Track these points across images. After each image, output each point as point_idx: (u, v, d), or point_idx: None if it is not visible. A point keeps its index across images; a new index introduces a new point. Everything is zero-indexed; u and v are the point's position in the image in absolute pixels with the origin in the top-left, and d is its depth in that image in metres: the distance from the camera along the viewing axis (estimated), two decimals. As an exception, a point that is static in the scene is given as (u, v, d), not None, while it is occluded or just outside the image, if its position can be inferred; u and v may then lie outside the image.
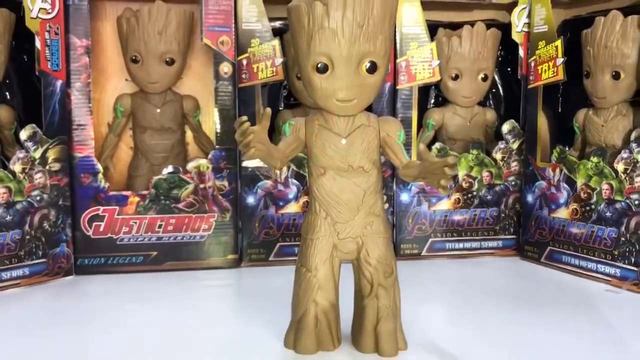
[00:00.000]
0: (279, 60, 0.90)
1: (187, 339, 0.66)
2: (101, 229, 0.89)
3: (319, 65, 0.55)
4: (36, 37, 0.81)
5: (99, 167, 0.88)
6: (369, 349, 0.61)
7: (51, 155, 0.84)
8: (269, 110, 0.54)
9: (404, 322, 0.62)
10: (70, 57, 0.86)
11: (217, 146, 0.90)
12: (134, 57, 0.89)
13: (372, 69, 0.56)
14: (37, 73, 0.82)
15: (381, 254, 0.60)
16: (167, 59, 0.90)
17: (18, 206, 0.81)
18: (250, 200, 0.92)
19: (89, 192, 0.88)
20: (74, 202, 0.87)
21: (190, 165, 0.90)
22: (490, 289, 0.85)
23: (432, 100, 1.06)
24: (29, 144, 0.82)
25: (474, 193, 0.98)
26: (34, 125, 0.82)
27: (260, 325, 0.69)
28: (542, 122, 0.95)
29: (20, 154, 0.81)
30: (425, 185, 0.97)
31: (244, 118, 0.51)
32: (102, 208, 0.88)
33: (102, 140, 0.93)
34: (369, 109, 0.61)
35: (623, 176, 0.82)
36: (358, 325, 0.62)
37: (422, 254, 0.98)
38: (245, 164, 0.91)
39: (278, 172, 0.91)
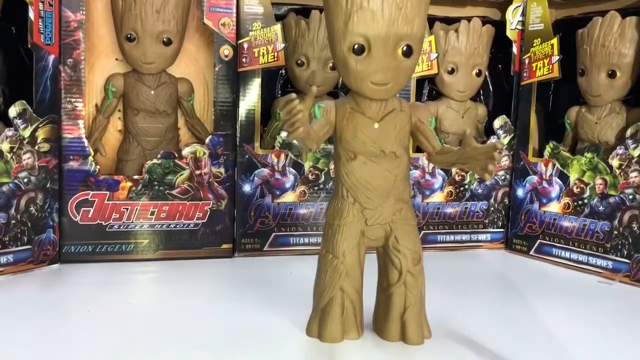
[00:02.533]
0: (280, 45, 0.88)
1: (186, 330, 0.63)
2: (90, 215, 0.84)
3: (355, 47, 0.54)
4: (30, 7, 0.76)
5: (90, 149, 0.84)
6: (395, 337, 0.60)
7: (41, 134, 0.79)
8: (314, 88, 0.52)
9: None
10: (62, 32, 0.81)
11: (214, 132, 0.88)
12: (129, 35, 0.85)
13: (409, 52, 0.55)
14: (29, 46, 0.77)
15: (410, 240, 0.60)
16: (164, 39, 0.86)
17: (4, 188, 0.76)
18: (247, 188, 0.90)
19: (79, 176, 0.83)
20: (61, 185, 0.82)
21: (186, 151, 0.87)
22: (481, 281, 0.86)
23: (426, 94, 1.06)
24: (19, 121, 0.77)
25: (466, 186, 0.99)
26: (24, 102, 0.77)
27: (271, 315, 0.67)
28: (533, 119, 0.97)
29: (9, 131, 0.76)
30: (419, 177, 0.98)
31: (294, 95, 0.50)
32: (91, 193, 0.84)
33: (91, 122, 0.88)
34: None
35: (618, 171, 0.85)
36: (383, 313, 0.61)
37: (414, 246, 0.98)
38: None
39: (305, 155, 0.89)
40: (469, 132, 0.54)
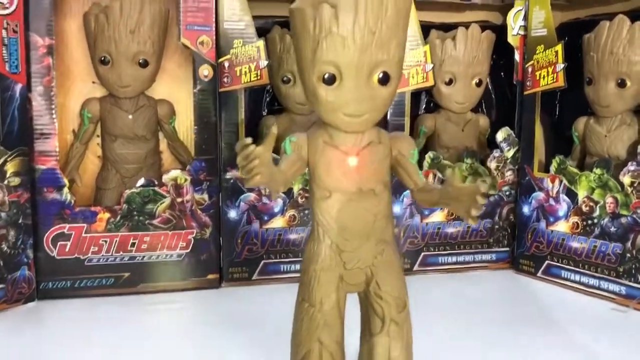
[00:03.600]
0: (263, 62, 0.83)
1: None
2: (67, 249, 0.80)
3: (325, 76, 0.49)
4: (-8, 35, 0.72)
5: (64, 180, 0.80)
6: None
7: (10, 168, 0.75)
8: (275, 128, 0.47)
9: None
10: (32, 58, 0.76)
11: (195, 156, 0.83)
12: (103, 58, 0.81)
13: (385, 79, 0.49)
14: (-7, 76, 0.73)
15: (394, 286, 0.54)
16: (140, 61, 0.81)
17: (-28, 226, 0.72)
18: (232, 214, 0.85)
19: (53, 209, 0.79)
20: (35, 219, 0.78)
21: (166, 177, 0.82)
22: (487, 306, 0.81)
23: (424, 106, 1.00)
24: (-16, 156, 0.73)
25: (468, 204, 0.93)
26: (-10, 135, 0.73)
27: (255, 357, 0.63)
28: (539, 130, 0.91)
29: (-25, 167, 0.72)
30: (409, 190, 0.91)
31: (248, 140, 0.44)
32: (67, 225, 0.80)
33: (67, 150, 0.84)
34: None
35: (629, 189, 0.78)
36: None
37: (415, 268, 0.93)
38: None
39: (276, 195, 0.84)
40: (452, 172, 0.48)
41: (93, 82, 0.85)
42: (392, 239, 0.55)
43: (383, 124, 0.89)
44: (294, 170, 0.53)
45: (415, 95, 0.95)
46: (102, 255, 0.81)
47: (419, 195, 0.53)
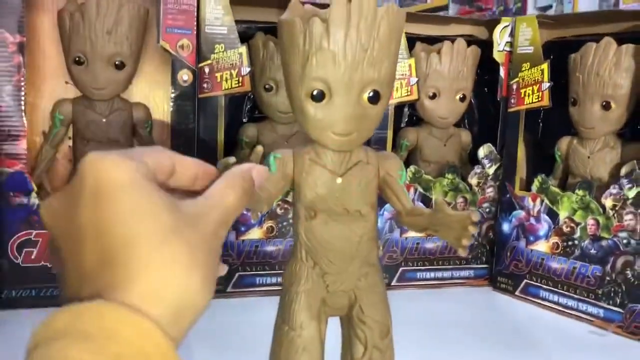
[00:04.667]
0: (245, 69, 0.81)
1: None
2: (33, 256, 0.76)
3: (314, 93, 0.47)
4: (-41, 30, 0.68)
5: (32, 184, 0.76)
6: None
7: (-26, 171, 0.71)
8: (260, 148, 0.45)
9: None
10: (0, 56, 0.73)
11: (172, 163, 0.80)
12: (77, 58, 0.77)
13: (375, 98, 0.47)
14: (-42, 74, 0.69)
15: (377, 311, 0.52)
16: (117, 62, 0.78)
17: None
18: (208, 225, 0.82)
19: (20, 214, 0.75)
20: (0, 225, 0.74)
21: (140, 185, 0.79)
22: (465, 325, 0.80)
23: (406, 119, 0.99)
24: (-53, 158, 0.69)
25: (448, 220, 0.92)
26: (-46, 135, 0.69)
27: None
28: (521, 148, 0.90)
29: None
30: (396, 213, 0.90)
31: (231, 159, 0.42)
32: (34, 232, 0.76)
33: (35, 152, 0.80)
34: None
35: (611, 212, 0.78)
36: None
37: (392, 283, 0.91)
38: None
39: (259, 214, 0.81)
40: (441, 200, 0.46)
41: (66, 83, 0.82)
42: (377, 262, 0.54)
43: (365, 136, 0.87)
44: (278, 189, 0.51)
45: (398, 108, 0.94)
46: (70, 264, 0.77)
47: (407, 218, 0.51)
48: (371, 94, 0.47)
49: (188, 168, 0.33)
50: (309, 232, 0.51)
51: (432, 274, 0.93)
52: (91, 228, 0.27)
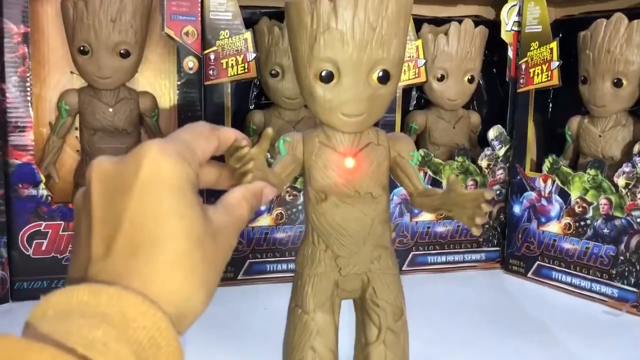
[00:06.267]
0: (251, 55, 0.80)
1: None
2: (43, 248, 0.76)
3: (322, 73, 0.46)
4: (-38, 21, 0.68)
5: (41, 175, 0.76)
6: None
7: (-18, 163, 0.71)
8: (270, 130, 0.44)
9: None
10: (5, 47, 0.72)
11: (179, 152, 0.79)
12: (82, 48, 0.77)
13: (385, 78, 0.47)
14: (-37, 65, 0.69)
15: (390, 293, 0.52)
16: (122, 51, 0.77)
17: (-59, 224, 0.68)
18: (217, 212, 0.82)
19: (29, 206, 0.75)
20: (10, 217, 0.74)
21: (148, 174, 0.79)
22: (476, 308, 0.79)
23: (414, 103, 0.98)
24: (-45, 150, 0.69)
25: (458, 203, 0.91)
26: (-39, 127, 0.69)
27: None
28: (531, 129, 0.89)
29: (-56, 162, 0.68)
30: (407, 195, 0.89)
31: (244, 142, 0.41)
32: (44, 223, 0.76)
33: (43, 144, 0.80)
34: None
35: (624, 191, 0.77)
36: None
37: (403, 268, 0.91)
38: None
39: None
40: (454, 178, 0.46)
41: (71, 73, 0.81)
42: (390, 245, 0.53)
43: (373, 120, 0.86)
44: (289, 172, 0.50)
45: (406, 91, 0.93)
46: (81, 255, 0.77)
47: (418, 199, 0.50)
48: (380, 73, 0.46)
49: (228, 138, 0.38)
50: (320, 215, 0.50)
51: (443, 258, 0.92)
52: (130, 215, 0.29)
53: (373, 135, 0.50)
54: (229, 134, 0.38)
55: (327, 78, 0.46)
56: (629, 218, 0.77)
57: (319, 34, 0.45)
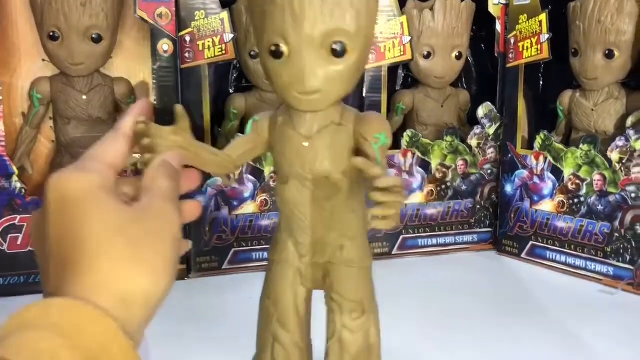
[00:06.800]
0: (228, 36, 0.77)
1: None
2: (19, 242, 0.74)
3: (272, 49, 0.42)
4: None
5: (13, 167, 0.73)
6: None
7: (-50, 155, 0.68)
8: (180, 107, 0.42)
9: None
10: (-30, 34, 0.69)
11: (157, 139, 0.77)
12: (51, 34, 0.73)
13: (340, 51, 0.42)
14: None
15: (349, 288, 0.48)
16: (93, 35, 0.74)
17: None
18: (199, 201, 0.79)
19: (2, 199, 0.73)
20: (-18, 211, 0.72)
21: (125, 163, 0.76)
22: (470, 291, 0.77)
23: (401, 82, 0.95)
24: None
25: (448, 184, 0.89)
26: None
27: (220, 355, 0.58)
28: (522, 105, 0.87)
29: None
30: (396, 176, 0.87)
31: (140, 118, 0.39)
32: (19, 217, 0.73)
33: (15, 134, 0.77)
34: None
35: (618, 166, 0.74)
36: None
37: (393, 252, 0.89)
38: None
39: (230, 178, 0.78)
40: (360, 160, 0.42)
41: (43, 60, 0.78)
42: (358, 235, 0.48)
43: (359, 101, 0.84)
44: (243, 152, 0.47)
45: (393, 70, 0.90)
46: (58, 248, 0.75)
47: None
48: (334, 46, 0.42)
49: (129, 127, 0.38)
50: (283, 198, 0.47)
51: (434, 240, 0.90)
52: (54, 235, 0.31)
53: (336, 115, 0.45)
54: (128, 123, 0.38)
55: (277, 53, 0.42)
56: (623, 194, 0.74)
57: (266, 5, 0.42)
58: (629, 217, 0.74)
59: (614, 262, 0.76)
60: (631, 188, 0.73)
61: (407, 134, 0.87)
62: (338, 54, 0.42)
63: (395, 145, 0.89)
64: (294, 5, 0.40)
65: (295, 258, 0.48)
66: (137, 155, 0.44)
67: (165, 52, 0.76)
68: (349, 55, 0.42)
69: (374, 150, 0.44)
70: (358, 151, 0.45)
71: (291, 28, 0.41)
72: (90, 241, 0.30)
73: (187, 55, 0.77)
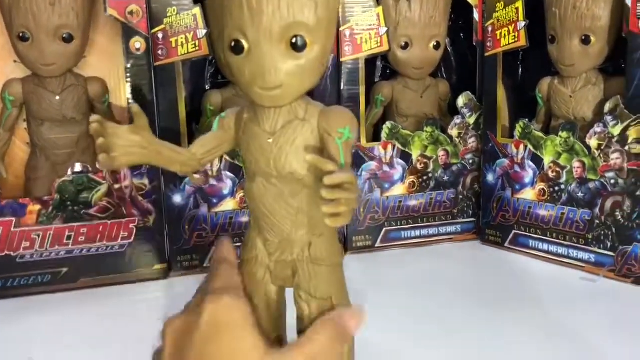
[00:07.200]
0: (202, 31, 0.76)
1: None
2: (-5, 246, 0.73)
3: (232, 44, 0.41)
4: None
5: (-13, 171, 0.72)
6: None
7: None
8: (135, 106, 0.41)
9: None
10: (-64, 37, 0.68)
11: (133, 138, 0.76)
12: (21, 34, 0.72)
13: (300, 45, 0.41)
14: None
15: (317, 286, 0.46)
16: (64, 35, 0.73)
17: None
18: (177, 199, 0.79)
19: (-24, 203, 0.72)
20: (-44, 216, 0.71)
21: (101, 163, 0.75)
22: (454, 281, 0.77)
23: (380, 73, 0.94)
24: None
25: (430, 175, 0.88)
26: None
27: None
28: (501, 94, 0.86)
29: None
30: (376, 169, 0.86)
31: (94, 117, 0.39)
32: (-6, 221, 0.73)
33: (-11, 137, 0.77)
34: (311, 93, 0.46)
35: (597, 153, 0.74)
36: None
37: (377, 245, 0.88)
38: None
39: (196, 176, 0.77)
40: (310, 158, 0.42)
41: (15, 61, 0.77)
42: (328, 232, 0.47)
43: (337, 94, 0.83)
44: (207, 150, 0.47)
45: (370, 61, 0.89)
46: (36, 251, 0.74)
47: None
48: (294, 40, 0.42)
49: None
50: (250, 196, 0.47)
51: (418, 232, 0.90)
52: (200, 355, 0.35)
53: (300, 111, 0.45)
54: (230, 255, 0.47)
55: (238, 48, 0.42)
56: (602, 180, 0.74)
57: (225, 0, 0.41)
58: (608, 204, 0.74)
59: (596, 249, 0.76)
60: (610, 174, 0.73)
61: (387, 125, 0.86)
62: (298, 48, 0.41)
63: (376, 137, 0.89)
64: (251, 0, 0.40)
65: (264, 256, 0.47)
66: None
67: (138, 50, 0.75)
68: (310, 48, 0.42)
69: (338, 145, 0.43)
70: (322, 147, 0.44)
71: (249, 23, 0.40)
72: None
73: (160, 52, 0.76)
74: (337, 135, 0.43)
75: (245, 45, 0.41)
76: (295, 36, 0.41)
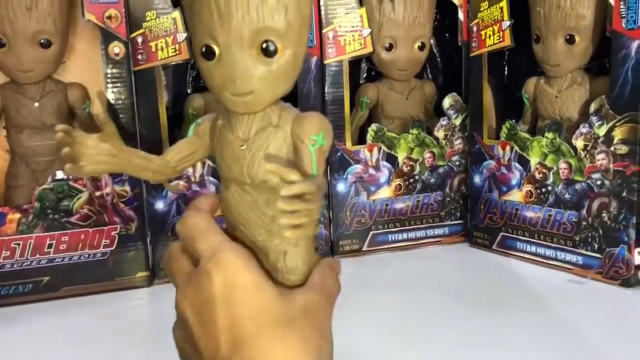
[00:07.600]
0: (182, 35, 0.75)
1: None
2: (-26, 255, 0.72)
3: (203, 50, 0.40)
4: None
5: (-36, 179, 0.71)
6: None
7: None
8: (102, 114, 0.41)
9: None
10: None
11: (113, 144, 0.75)
12: (-3, 40, 0.71)
13: (271, 50, 0.41)
14: None
15: None
16: (42, 41, 0.72)
17: None
18: (160, 205, 0.78)
19: (-46, 212, 0.71)
20: None
21: (81, 170, 0.74)
22: (442, 284, 0.77)
23: (364, 75, 0.93)
24: None
25: (416, 177, 0.88)
26: None
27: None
28: (487, 94, 0.85)
29: None
30: (362, 172, 0.86)
31: (60, 127, 0.39)
32: (-27, 229, 0.72)
33: (-33, 145, 0.76)
34: (291, 96, 0.45)
35: (583, 153, 0.73)
36: None
37: (364, 249, 0.87)
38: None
39: (172, 184, 0.76)
40: (270, 167, 0.41)
41: (-7, 68, 0.76)
42: (306, 243, 0.45)
43: (321, 97, 0.82)
44: (182, 157, 0.46)
45: (355, 63, 0.88)
46: (16, 260, 0.73)
47: None
48: (265, 45, 0.41)
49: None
50: (225, 204, 0.46)
51: (405, 235, 0.89)
52: (224, 321, 0.37)
53: (274, 116, 0.43)
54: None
55: (209, 54, 0.41)
56: (589, 181, 0.73)
57: (195, 5, 0.40)
58: (595, 205, 0.73)
59: (583, 251, 0.75)
60: (596, 175, 0.72)
61: (372, 128, 0.85)
62: (269, 53, 0.40)
63: (361, 140, 0.88)
64: (220, 5, 0.39)
65: None
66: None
67: (117, 55, 0.74)
68: (281, 53, 0.41)
69: (310, 152, 0.42)
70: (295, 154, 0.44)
71: (219, 28, 0.40)
72: (264, 334, 0.36)
73: (139, 57, 0.75)
74: (310, 142, 0.42)
75: (216, 50, 0.40)
76: (266, 41, 0.40)
